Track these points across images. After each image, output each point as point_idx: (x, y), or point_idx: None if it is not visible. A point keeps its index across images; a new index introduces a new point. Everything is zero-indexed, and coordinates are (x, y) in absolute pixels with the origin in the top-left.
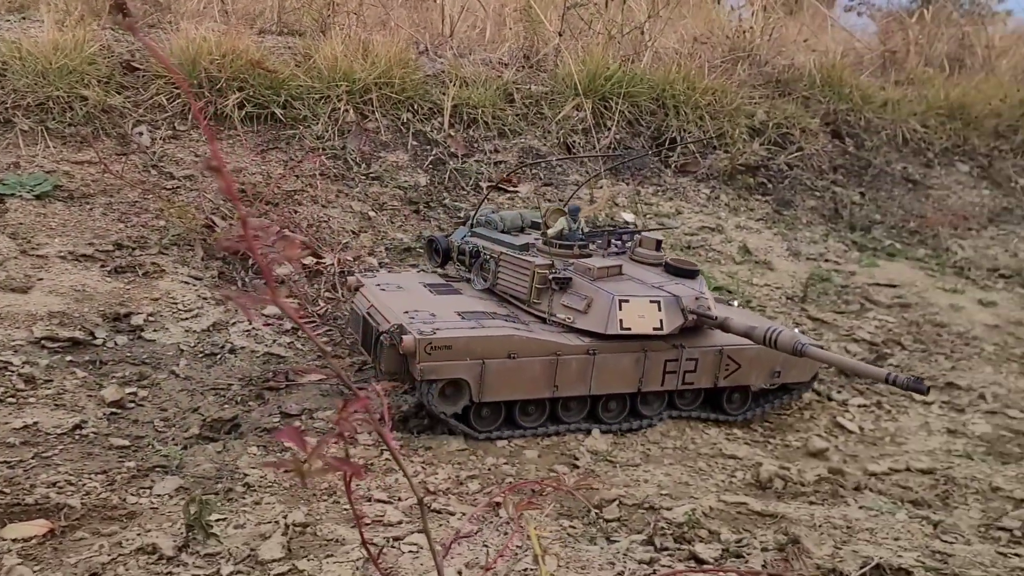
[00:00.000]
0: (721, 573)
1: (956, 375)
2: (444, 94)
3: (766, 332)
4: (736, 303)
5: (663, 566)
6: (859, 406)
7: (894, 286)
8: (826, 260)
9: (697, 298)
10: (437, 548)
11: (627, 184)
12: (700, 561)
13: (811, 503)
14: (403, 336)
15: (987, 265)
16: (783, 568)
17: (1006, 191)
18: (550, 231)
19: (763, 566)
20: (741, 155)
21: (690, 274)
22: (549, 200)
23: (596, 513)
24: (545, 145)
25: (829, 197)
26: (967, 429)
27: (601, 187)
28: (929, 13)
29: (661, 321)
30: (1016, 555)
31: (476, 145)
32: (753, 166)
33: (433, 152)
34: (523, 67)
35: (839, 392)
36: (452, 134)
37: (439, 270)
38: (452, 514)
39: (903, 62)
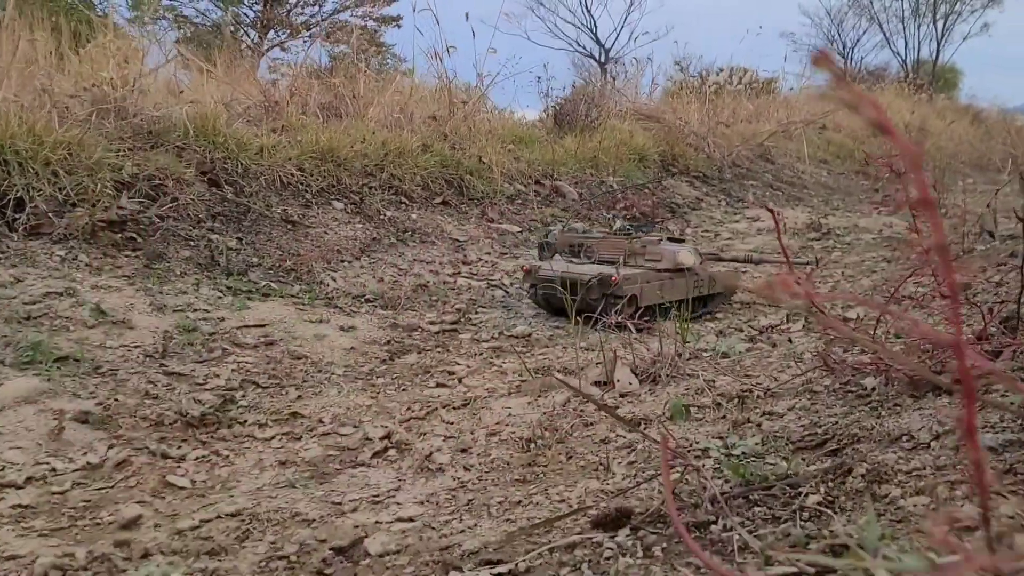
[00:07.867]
0: None
1: (302, 404)
2: None
3: (749, 255)
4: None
5: None
6: (196, 459)
7: (263, 325)
8: (195, 310)
9: (698, 250)
10: None
11: None
12: None
13: None
14: (612, 276)
15: (355, 292)
16: None
17: (376, 223)
18: (615, 227)
19: None
20: (105, 211)
21: (682, 240)
22: None
23: None
24: None
25: (205, 245)
26: (299, 456)
27: None
28: (296, 68)
29: (694, 260)
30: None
31: None
32: (120, 221)
33: None
34: None
35: (179, 448)
36: None
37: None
38: None
39: (282, 111)
